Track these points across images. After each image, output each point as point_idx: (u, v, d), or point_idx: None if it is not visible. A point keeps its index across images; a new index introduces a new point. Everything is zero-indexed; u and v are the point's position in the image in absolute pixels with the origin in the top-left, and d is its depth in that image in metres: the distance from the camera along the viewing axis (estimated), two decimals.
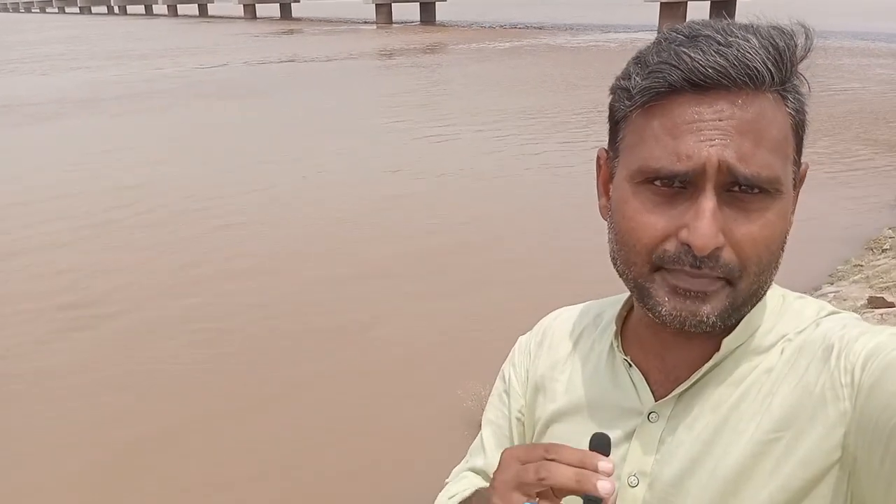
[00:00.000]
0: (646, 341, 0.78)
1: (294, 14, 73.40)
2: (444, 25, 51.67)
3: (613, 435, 0.75)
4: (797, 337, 0.71)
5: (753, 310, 0.72)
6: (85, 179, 9.33)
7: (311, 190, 8.74)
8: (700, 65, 0.61)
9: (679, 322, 0.68)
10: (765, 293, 0.71)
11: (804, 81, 0.67)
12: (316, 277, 5.96)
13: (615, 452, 0.74)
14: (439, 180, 9.01)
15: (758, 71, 0.62)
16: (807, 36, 0.65)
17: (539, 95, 15.62)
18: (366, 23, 55.88)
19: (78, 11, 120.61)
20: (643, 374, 0.77)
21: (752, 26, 0.64)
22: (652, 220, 0.66)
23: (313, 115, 14.29)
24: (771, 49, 0.62)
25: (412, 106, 14.88)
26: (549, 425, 0.85)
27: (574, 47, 29.64)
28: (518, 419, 0.91)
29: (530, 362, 0.90)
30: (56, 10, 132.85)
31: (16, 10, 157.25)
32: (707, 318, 0.67)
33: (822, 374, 0.67)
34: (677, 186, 0.64)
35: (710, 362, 0.72)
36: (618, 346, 0.80)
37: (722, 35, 0.63)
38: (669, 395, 0.74)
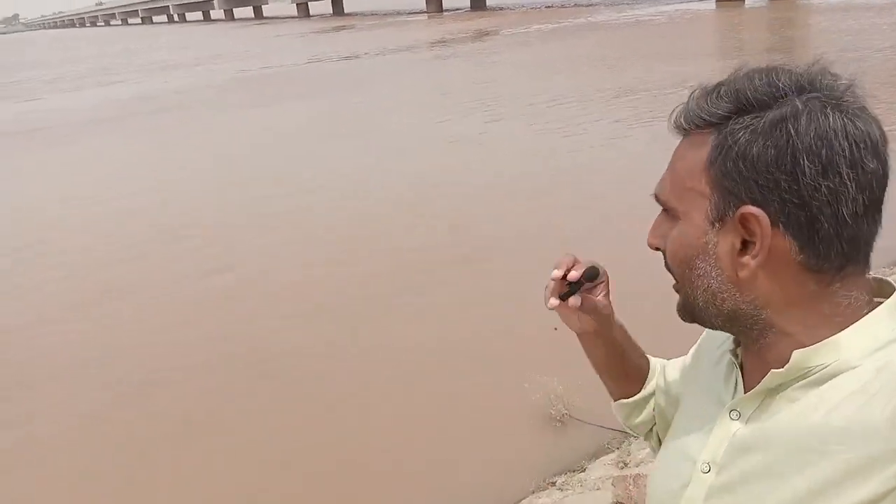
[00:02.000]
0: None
1: (346, 9, 74.31)
2: (494, 9, 51.29)
3: (705, 422, 0.81)
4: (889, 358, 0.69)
5: (846, 332, 0.70)
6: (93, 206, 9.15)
7: (351, 191, 8.83)
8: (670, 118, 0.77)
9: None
10: (705, 310, 0.76)
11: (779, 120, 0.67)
12: (374, 274, 6.03)
13: (703, 438, 0.80)
14: (486, 175, 8.96)
15: (676, 120, 0.75)
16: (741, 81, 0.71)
17: (576, 77, 15.42)
18: (417, 13, 55.98)
19: (140, 22, 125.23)
20: (743, 374, 0.81)
21: (730, 77, 0.73)
22: None
23: (345, 119, 14.14)
24: (690, 99, 0.74)
25: (452, 101, 14.85)
26: (680, 397, 0.98)
27: (622, 23, 29.04)
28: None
29: (700, 344, 0.99)
30: (119, 23, 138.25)
31: (81, 24, 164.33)
32: (678, 306, 0.80)
33: None
34: None
35: (782, 370, 0.72)
36: (731, 344, 0.84)
37: (692, 94, 0.75)
38: (745, 396, 0.77)
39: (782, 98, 0.68)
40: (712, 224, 0.72)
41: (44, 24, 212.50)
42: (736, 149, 0.69)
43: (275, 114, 15.31)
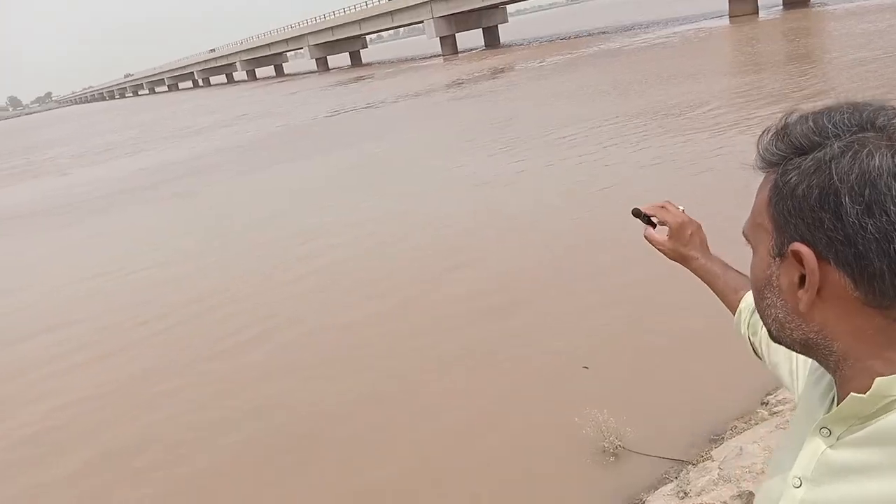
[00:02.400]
0: None
1: (364, 60, 76.02)
2: (509, 46, 52.05)
3: (801, 435, 0.83)
4: None
5: None
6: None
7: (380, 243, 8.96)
8: None
9: None
10: (780, 337, 0.80)
11: (823, 161, 0.70)
12: (416, 322, 6.10)
13: (795, 453, 0.82)
14: (513, 218, 9.03)
15: (754, 160, 0.79)
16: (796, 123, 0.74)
17: (591, 107, 15.53)
18: (433, 56, 56.96)
19: (167, 90, 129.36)
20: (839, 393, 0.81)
21: (791, 118, 0.76)
22: None
23: (368, 170, 14.51)
24: (760, 140, 0.78)
25: (472, 144, 15.03)
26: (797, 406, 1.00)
27: (635, 48, 29.21)
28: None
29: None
30: (147, 92, 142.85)
31: (111, 96, 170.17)
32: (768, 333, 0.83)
33: None
34: None
35: (864, 396, 0.72)
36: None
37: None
38: (833, 414, 0.77)
39: (829, 139, 0.71)
40: (774, 258, 0.76)
41: (75, 99, 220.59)
42: (786, 189, 0.73)
43: (298, 170, 15.61)
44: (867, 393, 0.72)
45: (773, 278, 0.77)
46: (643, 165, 9.67)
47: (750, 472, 3.03)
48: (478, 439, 4.21)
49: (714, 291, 1.34)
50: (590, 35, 45.49)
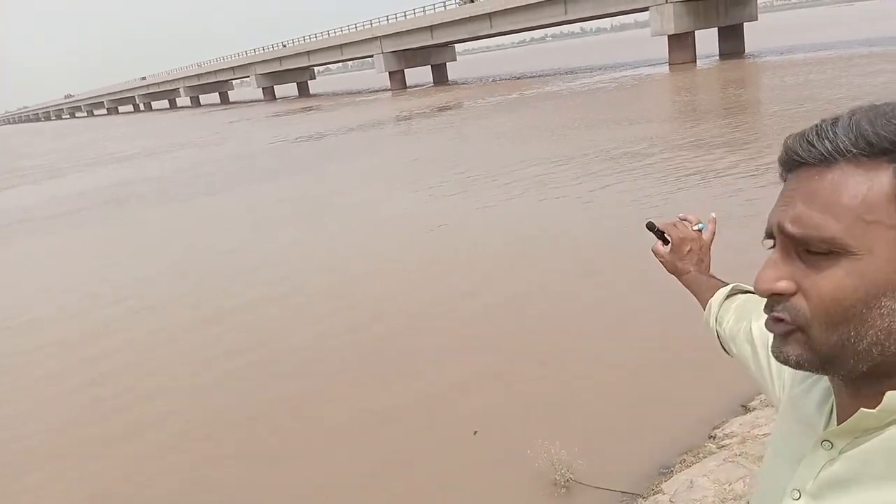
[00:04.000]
0: None
1: (312, 91, 75.93)
2: (456, 84, 52.89)
3: (797, 447, 0.82)
4: None
5: None
6: None
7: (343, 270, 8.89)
8: (788, 147, 0.74)
9: (774, 355, 0.76)
10: (865, 354, 0.70)
11: None
12: (362, 353, 6.03)
13: (794, 465, 0.81)
14: (456, 253, 9.10)
15: (817, 149, 0.71)
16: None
17: (525, 148, 15.87)
18: (382, 90, 57.31)
19: (106, 113, 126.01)
20: (837, 401, 0.80)
21: (853, 109, 0.71)
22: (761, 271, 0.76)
23: (303, 205, 14.34)
24: (831, 128, 0.70)
25: (418, 181, 15.09)
26: (779, 411, 0.95)
27: (575, 92, 30.10)
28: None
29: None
30: (85, 114, 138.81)
31: (47, 118, 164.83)
32: (788, 357, 0.73)
33: None
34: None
35: (873, 411, 0.71)
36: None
37: (826, 121, 0.72)
38: (838, 428, 0.76)
39: None
40: None
41: (7, 119, 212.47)
42: None
43: (215, 204, 15.10)
44: (877, 408, 0.71)
45: None
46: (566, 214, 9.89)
47: None
48: (429, 470, 4.13)
49: (699, 302, 1.35)
50: (532, 77, 46.63)
